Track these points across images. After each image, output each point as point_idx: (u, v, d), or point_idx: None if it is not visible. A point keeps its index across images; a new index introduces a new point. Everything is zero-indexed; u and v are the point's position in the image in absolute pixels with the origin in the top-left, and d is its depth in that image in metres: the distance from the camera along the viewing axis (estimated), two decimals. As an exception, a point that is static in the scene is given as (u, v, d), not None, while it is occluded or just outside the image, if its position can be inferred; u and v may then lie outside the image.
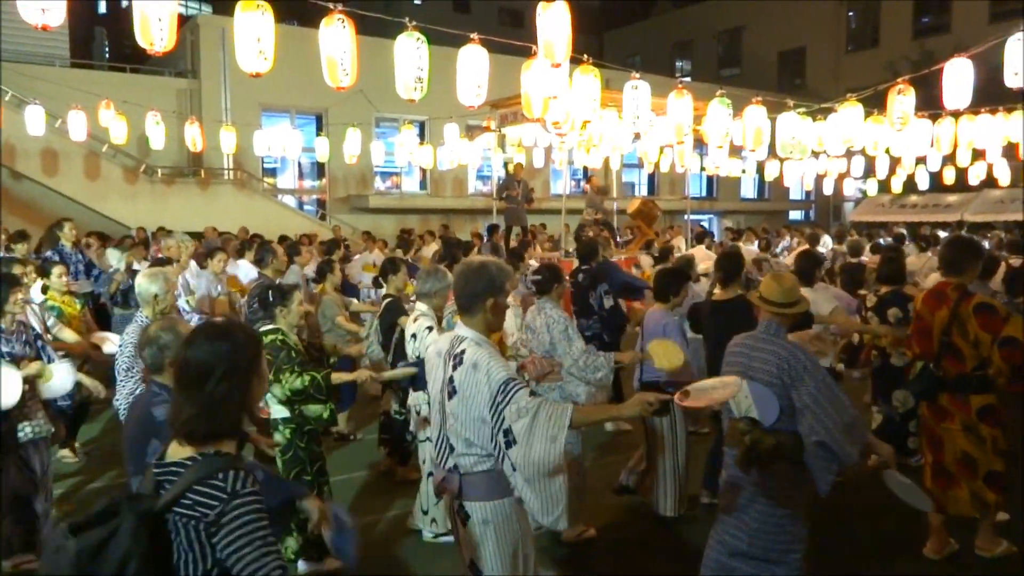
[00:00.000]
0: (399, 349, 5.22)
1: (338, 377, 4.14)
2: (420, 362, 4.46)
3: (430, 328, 4.58)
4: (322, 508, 2.33)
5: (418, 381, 4.53)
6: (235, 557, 1.73)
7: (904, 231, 15.10)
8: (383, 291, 5.99)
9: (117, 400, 3.84)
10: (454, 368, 2.66)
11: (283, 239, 11.71)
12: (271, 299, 4.25)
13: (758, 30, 28.55)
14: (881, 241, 13.05)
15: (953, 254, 4.36)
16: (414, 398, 4.69)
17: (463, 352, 2.65)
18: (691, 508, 4.99)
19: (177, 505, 1.74)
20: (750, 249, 11.92)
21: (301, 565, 4.19)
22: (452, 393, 2.65)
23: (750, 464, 3.25)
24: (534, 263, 8.36)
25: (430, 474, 4.44)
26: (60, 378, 4.37)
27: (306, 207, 19.33)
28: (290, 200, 18.91)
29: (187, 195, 15.80)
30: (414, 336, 4.67)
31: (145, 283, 4.27)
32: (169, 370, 2.76)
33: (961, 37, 16.03)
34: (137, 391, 3.66)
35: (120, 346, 4.05)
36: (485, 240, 12.21)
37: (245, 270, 8.41)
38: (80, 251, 8.61)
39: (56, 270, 6.11)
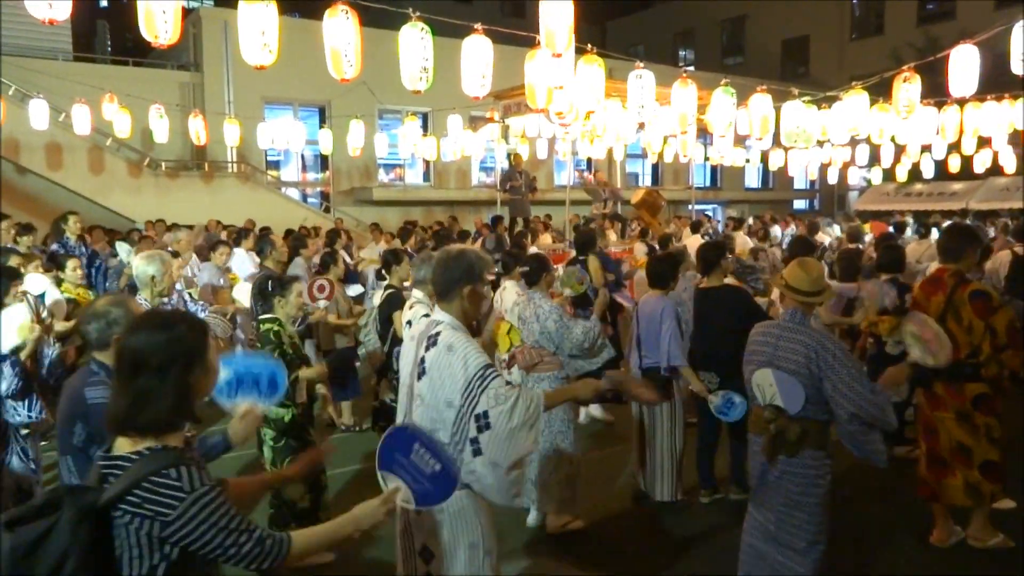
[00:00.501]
0: (396, 339, 5.27)
1: (304, 374, 4.15)
2: None
3: (426, 315, 4.57)
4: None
5: None
6: (208, 547, 1.72)
7: (910, 219, 15.05)
8: (385, 282, 6.02)
9: None
10: (426, 349, 2.64)
11: (288, 233, 11.74)
12: (269, 289, 4.27)
13: (761, 19, 28.42)
14: (891, 230, 13.01)
15: (951, 241, 4.39)
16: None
17: (438, 334, 2.63)
18: (686, 496, 5.01)
19: (123, 501, 1.67)
20: (745, 239, 11.91)
21: None
22: (422, 374, 2.63)
23: (776, 452, 3.29)
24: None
25: None
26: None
27: (310, 200, 19.33)
28: (294, 193, 18.90)
29: (191, 188, 15.81)
30: (409, 323, 4.68)
31: (142, 265, 4.34)
32: (114, 348, 2.69)
33: (966, 24, 15.96)
34: None
35: None
36: (490, 232, 12.20)
37: (240, 260, 8.41)
38: (84, 244, 8.65)
39: (71, 263, 6.17)
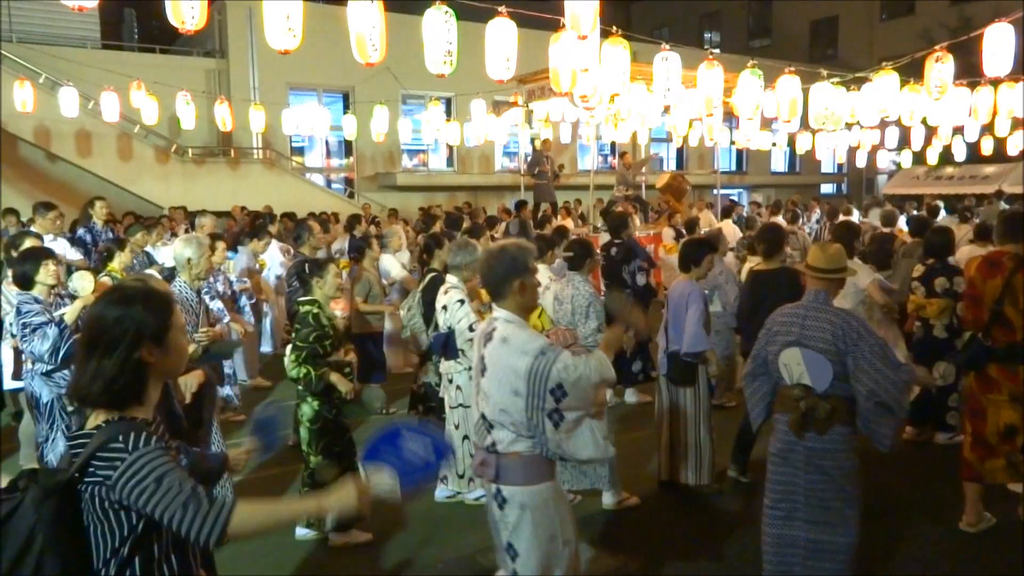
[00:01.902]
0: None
1: (337, 379, 4.19)
2: (451, 333, 4.61)
3: (461, 301, 4.68)
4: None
5: (450, 350, 4.68)
6: (143, 500, 1.67)
7: (940, 203, 14.79)
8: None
9: None
10: (484, 345, 2.74)
11: (309, 216, 11.82)
12: (307, 272, 4.35)
13: (789, -1, 27.94)
14: (915, 213, 12.81)
15: (1012, 223, 4.38)
16: (447, 367, 4.83)
17: (494, 330, 2.72)
18: (718, 481, 5.01)
19: (85, 475, 1.68)
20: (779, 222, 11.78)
21: (332, 536, 4.33)
22: (484, 370, 2.73)
23: (805, 429, 3.36)
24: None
25: (465, 437, 4.64)
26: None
27: (334, 185, 19.43)
28: (318, 179, 19.01)
29: (218, 175, 15.96)
30: (445, 308, 4.75)
31: (180, 247, 4.45)
32: None
33: (1001, 2, 15.55)
34: None
35: None
36: (513, 216, 12.18)
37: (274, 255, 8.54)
38: (111, 229, 8.79)
39: (128, 247, 6.42)
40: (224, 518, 1.70)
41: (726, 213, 12.26)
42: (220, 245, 6.30)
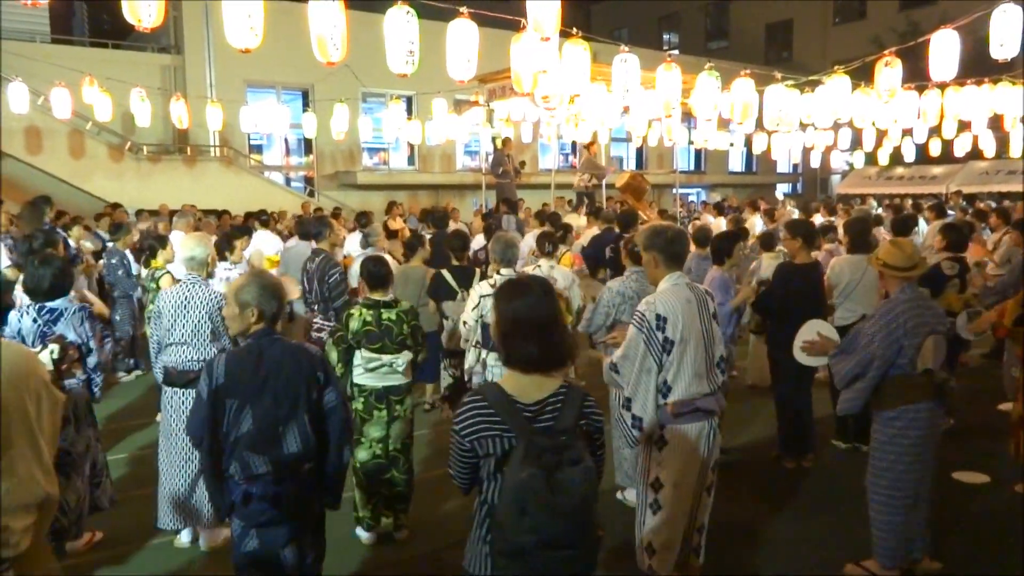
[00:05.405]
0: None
1: None
2: (486, 326, 4.71)
3: None
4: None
5: (489, 340, 4.76)
6: (600, 452, 2.40)
7: (874, 203, 15.30)
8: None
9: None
10: (707, 306, 3.35)
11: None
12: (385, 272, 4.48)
13: (745, 3, 28.40)
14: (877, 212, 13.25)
15: None
16: (490, 356, 4.93)
17: (706, 291, 3.46)
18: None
19: (581, 418, 2.27)
20: (755, 221, 12.00)
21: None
22: (710, 325, 3.33)
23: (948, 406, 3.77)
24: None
25: None
26: None
27: (293, 184, 19.21)
28: (277, 177, 18.78)
29: (173, 172, 15.67)
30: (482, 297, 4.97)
31: (191, 245, 4.48)
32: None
33: (947, 8, 16.06)
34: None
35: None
36: (506, 214, 11.95)
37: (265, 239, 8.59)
38: (66, 228, 8.58)
39: (169, 245, 6.47)
40: None
41: (720, 211, 12.49)
42: (237, 243, 6.36)
